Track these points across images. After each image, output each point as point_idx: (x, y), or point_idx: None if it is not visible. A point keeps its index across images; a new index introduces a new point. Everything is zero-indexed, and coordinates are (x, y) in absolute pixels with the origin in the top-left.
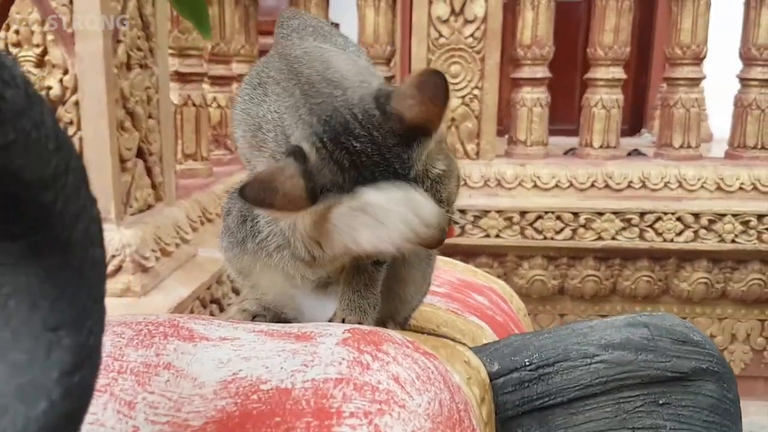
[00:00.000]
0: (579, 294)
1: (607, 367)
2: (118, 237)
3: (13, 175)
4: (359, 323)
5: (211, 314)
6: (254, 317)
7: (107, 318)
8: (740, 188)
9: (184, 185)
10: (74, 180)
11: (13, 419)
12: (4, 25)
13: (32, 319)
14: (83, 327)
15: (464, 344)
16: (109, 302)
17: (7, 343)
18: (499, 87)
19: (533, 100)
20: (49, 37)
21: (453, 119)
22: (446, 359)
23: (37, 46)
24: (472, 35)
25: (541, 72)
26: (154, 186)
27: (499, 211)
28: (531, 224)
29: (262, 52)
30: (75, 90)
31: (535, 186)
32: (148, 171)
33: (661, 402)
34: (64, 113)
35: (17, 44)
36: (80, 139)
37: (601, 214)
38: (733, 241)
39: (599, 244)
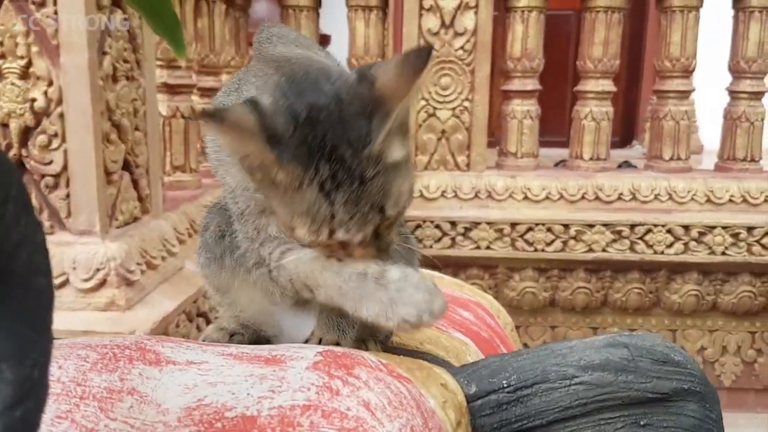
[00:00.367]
0: (570, 306)
1: (586, 389)
2: (103, 250)
3: None
4: (337, 343)
5: (198, 328)
6: (232, 335)
7: (73, 341)
8: (730, 200)
9: (173, 197)
10: (14, 209)
11: None
12: None
13: None
14: (26, 359)
15: (446, 362)
16: (93, 316)
17: None
18: (490, 99)
19: (523, 112)
20: (34, 48)
21: (443, 131)
22: (422, 382)
23: (22, 57)
24: (462, 48)
25: (531, 84)
26: (140, 198)
27: (489, 223)
28: (521, 236)
29: None
30: (60, 102)
31: (526, 198)
32: (135, 183)
33: (642, 423)
34: (49, 125)
35: (1, 56)
36: (65, 152)
37: (591, 226)
38: (723, 254)
39: (590, 256)
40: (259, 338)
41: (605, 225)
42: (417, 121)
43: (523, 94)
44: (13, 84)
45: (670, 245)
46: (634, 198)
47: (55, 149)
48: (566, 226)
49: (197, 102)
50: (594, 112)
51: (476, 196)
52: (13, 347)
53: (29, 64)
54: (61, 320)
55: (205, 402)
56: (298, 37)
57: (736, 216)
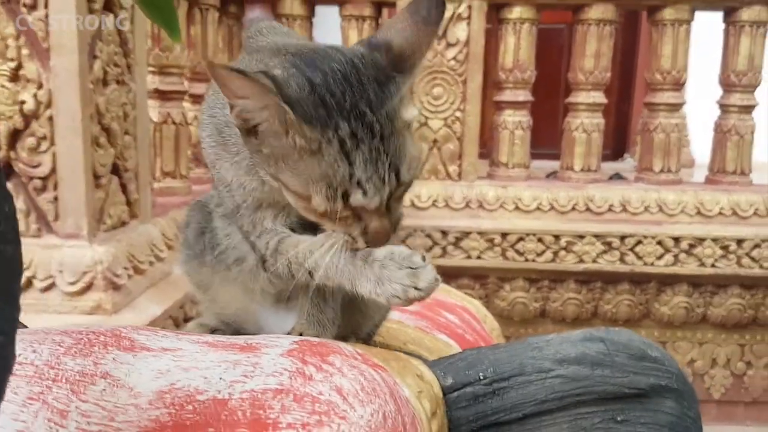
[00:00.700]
0: (560, 317)
1: (562, 382)
2: (90, 254)
3: None
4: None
5: None
6: (213, 332)
7: (50, 328)
8: (720, 213)
9: (163, 203)
10: None
11: None
12: None
13: None
14: None
15: (419, 357)
16: (79, 320)
17: None
18: (482, 110)
19: (515, 122)
20: (24, 51)
21: (435, 140)
22: (397, 372)
23: (12, 60)
24: (454, 58)
25: (523, 95)
26: (128, 203)
27: (480, 233)
28: (512, 246)
29: None
30: (49, 105)
31: (517, 208)
32: (123, 188)
33: (619, 419)
34: (38, 128)
35: None
36: (54, 155)
37: (582, 237)
38: (713, 266)
39: (580, 266)
40: (239, 335)
41: (596, 236)
42: None
43: (515, 104)
44: (2, 86)
45: (660, 257)
46: (625, 210)
47: (44, 152)
48: (557, 237)
49: (189, 108)
50: (585, 124)
51: (467, 205)
52: None
53: (19, 66)
54: (46, 323)
55: (177, 386)
56: (290, 31)
57: (726, 228)
